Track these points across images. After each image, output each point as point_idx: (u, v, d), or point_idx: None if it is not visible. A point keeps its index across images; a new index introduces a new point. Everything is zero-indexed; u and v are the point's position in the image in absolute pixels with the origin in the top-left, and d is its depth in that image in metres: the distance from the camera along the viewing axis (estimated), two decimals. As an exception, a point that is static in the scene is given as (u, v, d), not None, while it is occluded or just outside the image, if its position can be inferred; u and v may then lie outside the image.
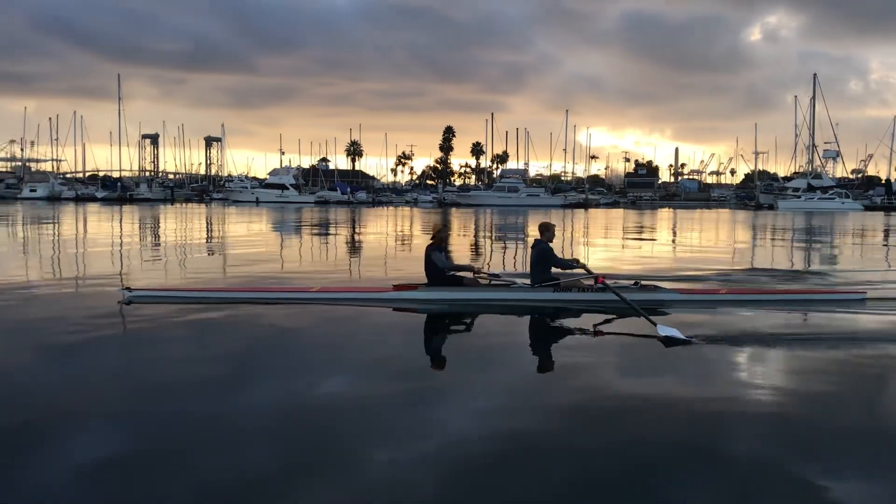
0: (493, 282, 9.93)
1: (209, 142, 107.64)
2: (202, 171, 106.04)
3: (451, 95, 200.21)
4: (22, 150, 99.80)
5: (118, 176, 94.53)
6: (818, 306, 9.44)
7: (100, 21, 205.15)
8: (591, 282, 9.29)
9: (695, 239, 26.85)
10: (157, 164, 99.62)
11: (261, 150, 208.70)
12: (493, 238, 26.21)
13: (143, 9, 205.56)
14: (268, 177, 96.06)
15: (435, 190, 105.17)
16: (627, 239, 26.23)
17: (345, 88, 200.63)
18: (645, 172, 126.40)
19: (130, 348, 6.91)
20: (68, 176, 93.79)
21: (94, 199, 78.52)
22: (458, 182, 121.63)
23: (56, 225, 31.51)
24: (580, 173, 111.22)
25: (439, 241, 9.67)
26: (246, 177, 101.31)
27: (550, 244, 9.59)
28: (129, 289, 9.58)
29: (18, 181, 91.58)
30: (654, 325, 7.35)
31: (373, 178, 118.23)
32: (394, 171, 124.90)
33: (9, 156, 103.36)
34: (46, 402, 5.09)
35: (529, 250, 10.01)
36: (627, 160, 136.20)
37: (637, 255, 19.13)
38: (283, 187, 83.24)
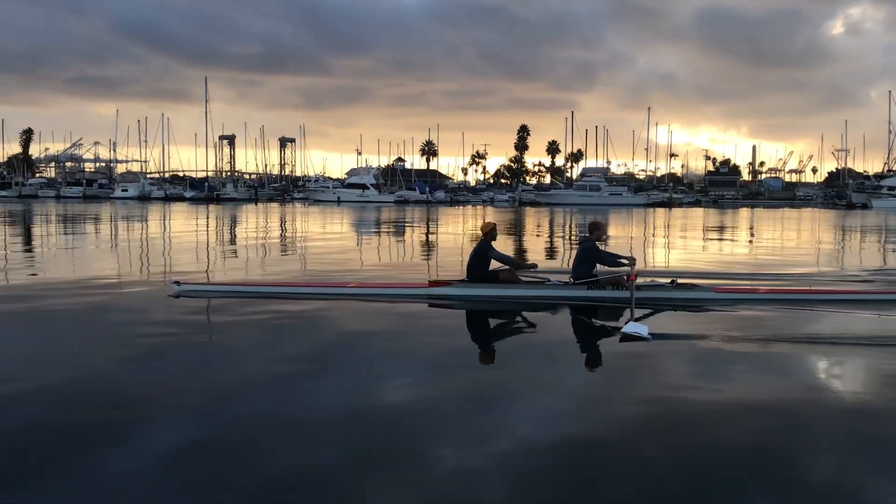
0: (528, 279, 9.90)
1: (283, 142, 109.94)
2: (275, 171, 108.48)
3: (521, 94, 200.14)
4: (113, 150, 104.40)
5: (203, 176, 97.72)
6: (868, 307, 9.03)
7: (179, 26, 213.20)
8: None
9: (792, 240, 25.51)
10: (234, 164, 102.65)
11: (332, 150, 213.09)
12: (569, 238, 25.83)
13: (220, 13, 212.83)
14: (345, 176, 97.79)
15: (510, 189, 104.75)
16: (723, 240, 25.05)
17: (414, 89, 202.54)
18: (727, 171, 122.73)
19: (194, 345, 7.03)
20: (150, 176, 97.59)
21: (182, 199, 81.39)
22: (532, 181, 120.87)
23: (144, 223, 32.80)
24: (656, 171, 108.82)
25: (490, 237, 9.67)
26: (326, 177, 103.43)
27: (598, 243, 9.63)
28: (178, 283, 10.00)
29: (111, 181, 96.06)
30: (627, 322, 7.36)
31: (447, 177, 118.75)
32: (464, 171, 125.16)
33: (93, 156, 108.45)
34: (124, 395, 5.22)
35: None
36: (708, 158, 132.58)
37: (738, 257, 17.98)
38: (363, 187, 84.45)
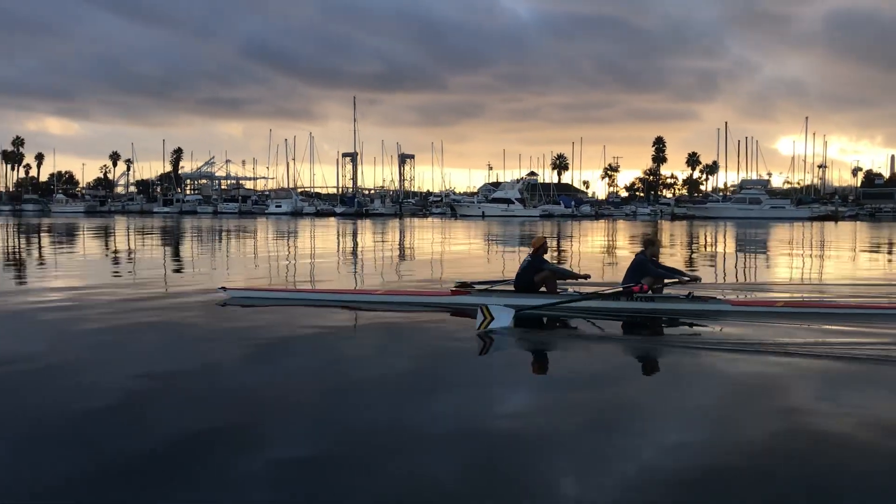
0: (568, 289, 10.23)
1: (403, 159, 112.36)
2: (393, 187, 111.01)
3: (640, 105, 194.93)
4: (274, 169, 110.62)
5: (333, 192, 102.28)
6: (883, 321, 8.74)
7: (301, 47, 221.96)
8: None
9: None
10: (356, 180, 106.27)
11: (447, 165, 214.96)
12: (736, 253, 25.14)
13: (341, 34, 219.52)
14: (476, 191, 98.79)
15: (649, 202, 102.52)
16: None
17: (530, 103, 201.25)
18: (883, 183, 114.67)
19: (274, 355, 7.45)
20: (275, 190, 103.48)
21: (333, 214, 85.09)
22: (668, 194, 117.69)
23: (294, 237, 34.67)
24: (799, 183, 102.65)
25: (542, 252, 10.26)
26: (458, 192, 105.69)
27: (653, 258, 9.95)
28: (224, 288, 10.78)
29: (265, 198, 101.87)
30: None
31: (580, 190, 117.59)
32: (586, 184, 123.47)
33: (225, 174, 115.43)
34: (234, 401, 5.53)
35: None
36: (860, 170, 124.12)
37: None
38: (508, 201, 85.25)
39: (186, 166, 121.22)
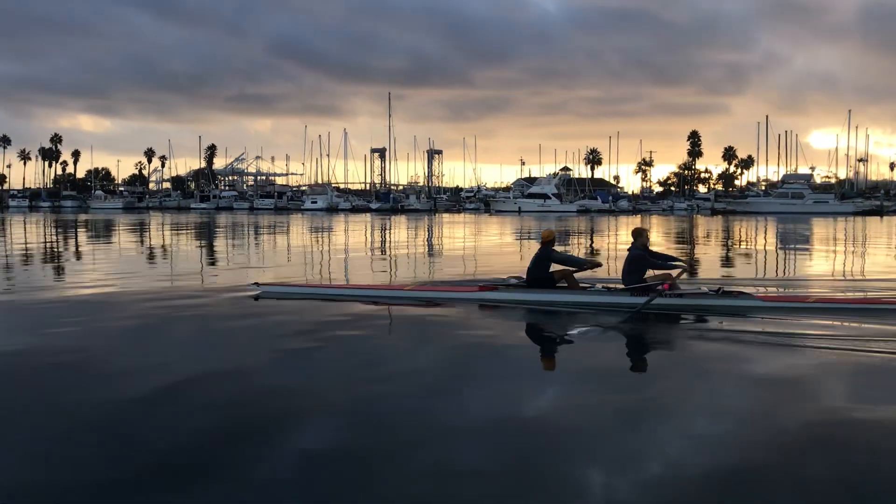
0: (581, 284, 10.27)
1: (431, 154, 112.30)
2: (421, 183, 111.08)
3: (669, 99, 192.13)
4: (308, 164, 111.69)
5: (387, 189, 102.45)
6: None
7: (329, 44, 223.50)
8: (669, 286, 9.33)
9: None
10: (384, 176, 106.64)
11: (473, 160, 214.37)
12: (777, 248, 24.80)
13: (367, 29, 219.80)
14: (509, 186, 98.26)
15: (685, 196, 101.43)
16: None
17: (557, 97, 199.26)
18: None
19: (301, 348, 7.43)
20: (303, 186, 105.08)
21: (368, 210, 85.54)
22: (702, 189, 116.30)
23: (329, 233, 34.96)
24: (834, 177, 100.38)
25: (552, 243, 10.40)
26: (489, 188, 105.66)
27: (645, 248, 9.89)
28: (257, 283, 11.11)
29: (301, 194, 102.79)
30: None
31: (614, 185, 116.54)
32: (616, 179, 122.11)
33: (255, 170, 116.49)
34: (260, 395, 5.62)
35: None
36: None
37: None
38: (545, 197, 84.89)
39: (217, 163, 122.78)
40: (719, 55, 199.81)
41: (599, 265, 10.47)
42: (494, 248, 24.34)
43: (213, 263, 18.34)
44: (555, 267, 10.26)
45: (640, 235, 10.00)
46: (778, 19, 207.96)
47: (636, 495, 3.80)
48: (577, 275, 10.27)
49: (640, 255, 9.75)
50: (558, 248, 10.93)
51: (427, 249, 24.00)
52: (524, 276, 10.32)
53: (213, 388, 5.80)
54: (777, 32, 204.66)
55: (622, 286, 9.70)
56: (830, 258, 20.05)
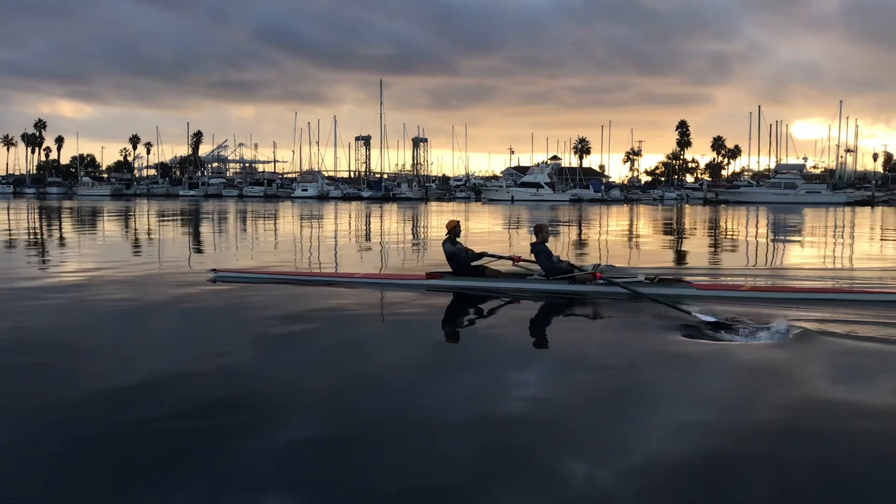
0: (513, 271, 10.91)
1: (416, 142, 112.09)
2: (406, 171, 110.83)
3: (653, 89, 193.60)
4: (298, 152, 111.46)
5: (380, 177, 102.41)
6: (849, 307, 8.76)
7: (313, 30, 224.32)
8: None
9: None
10: (369, 164, 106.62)
11: (458, 149, 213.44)
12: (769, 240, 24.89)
13: (352, 16, 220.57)
14: (500, 175, 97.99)
15: (674, 186, 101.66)
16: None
17: (542, 86, 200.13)
18: None
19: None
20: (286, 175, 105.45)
21: (359, 198, 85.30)
22: (690, 179, 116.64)
23: (318, 220, 34.89)
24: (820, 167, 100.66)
25: (455, 234, 10.78)
26: (480, 176, 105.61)
27: (545, 244, 10.34)
28: (214, 270, 11.60)
29: (291, 181, 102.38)
30: (689, 313, 7.85)
31: (604, 174, 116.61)
32: (602, 168, 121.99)
33: (238, 157, 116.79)
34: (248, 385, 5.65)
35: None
36: (885, 154, 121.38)
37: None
38: (538, 186, 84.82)
39: (202, 150, 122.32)
40: (704, 45, 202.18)
41: (485, 254, 10.89)
42: (483, 235, 24.34)
43: (198, 251, 18.29)
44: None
45: (540, 231, 10.51)
46: (762, 9, 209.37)
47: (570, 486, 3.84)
48: (522, 264, 11.02)
49: (543, 250, 10.28)
50: (466, 246, 11.04)
51: (412, 238, 24.01)
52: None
53: (145, 371, 5.92)
54: (761, 23, 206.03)
55: (547, 275, 10.16)
56: (804, 248, 20.25)
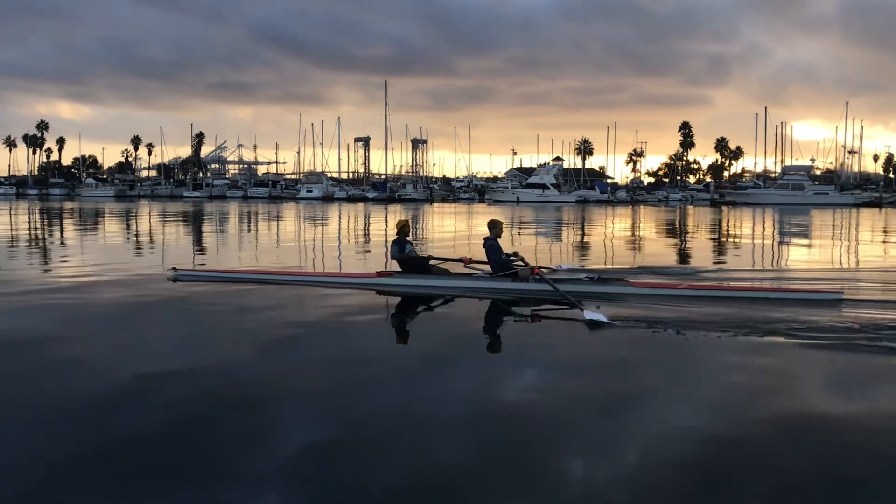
0: (460, 271, 11.02)
1: (416, 144, 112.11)
2: (403, 172, 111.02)
3: (651, 90, 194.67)
4: (302, 154, 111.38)
5: (384, 178, 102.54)
6: (782, 306, 8.88)
7: (312, 31, 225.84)
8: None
9: None
10: (369, 165, 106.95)
11: (457, 150, 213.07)
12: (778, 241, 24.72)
13: (350, 17, 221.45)
14: (503, 176, 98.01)
15: (678, 187, 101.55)
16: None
17: (540, 87, 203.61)
18: None
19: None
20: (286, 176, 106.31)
21: (364, 199, 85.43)
22: (692, 179, 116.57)
23: (322, 221, 34.88)
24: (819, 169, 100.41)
25: (404, 234, 11.04)
26: (495, 179, 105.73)
27: (498, 240, 10.58)
28: (175, 269, 11.73)
29: (296, 182, 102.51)
30: (581, 310, 8.09)
31: (607, 175, 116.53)
32: (602, 169, 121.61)
33: (237, 158, 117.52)
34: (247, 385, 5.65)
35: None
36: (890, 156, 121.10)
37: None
38: (543, 187, 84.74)
39: (202, 151, 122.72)
40: (702, 46, 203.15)
41: (431, 257, 11.14)
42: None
43: (201, 251, 18.28)
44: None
45: (493, 227, 10.69)
46: (760, 10, 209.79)
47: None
48: (473, 265, 11.03)
49: (493, 245, 10.50)
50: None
51: (420, 236, 23.99)
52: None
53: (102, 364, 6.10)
54: (759, 24, 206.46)
55: (494, 273, 10.39)
56: (791, 250, 20.35)
